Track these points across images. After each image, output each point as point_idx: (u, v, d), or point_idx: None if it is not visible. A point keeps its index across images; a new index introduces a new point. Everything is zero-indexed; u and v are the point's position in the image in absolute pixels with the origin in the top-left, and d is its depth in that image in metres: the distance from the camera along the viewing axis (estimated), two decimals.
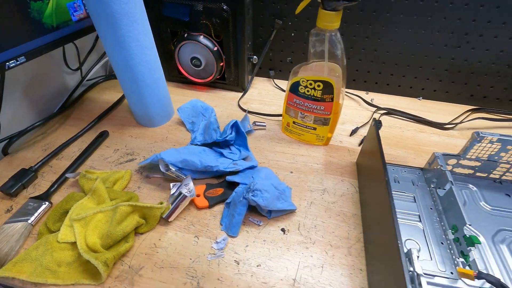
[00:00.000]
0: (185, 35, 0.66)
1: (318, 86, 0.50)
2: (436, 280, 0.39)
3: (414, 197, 0.49)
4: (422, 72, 0.69)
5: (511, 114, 0.68)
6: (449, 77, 0.69)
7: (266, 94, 0.75)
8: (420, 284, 0.32)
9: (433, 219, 0.46)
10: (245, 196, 0.43)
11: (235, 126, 0.55)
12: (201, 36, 0.66)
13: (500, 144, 0.47)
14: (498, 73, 0.65)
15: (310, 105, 0.54)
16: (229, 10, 0.61)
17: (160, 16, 0.67)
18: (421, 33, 0.64)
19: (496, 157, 0.49)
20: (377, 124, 0.47)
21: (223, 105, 0.71)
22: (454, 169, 0.52)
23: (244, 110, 0.69)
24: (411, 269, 0.34)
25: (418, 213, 0.46)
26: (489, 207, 0.48)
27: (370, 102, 0.71)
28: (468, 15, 0.59)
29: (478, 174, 0.52)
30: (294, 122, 0.58)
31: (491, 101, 0.70)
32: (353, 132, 0.62)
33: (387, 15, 0.63)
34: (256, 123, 0.63)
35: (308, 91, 0.52)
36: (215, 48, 0.67)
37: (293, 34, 0.71)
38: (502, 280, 0.36)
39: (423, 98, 0.74)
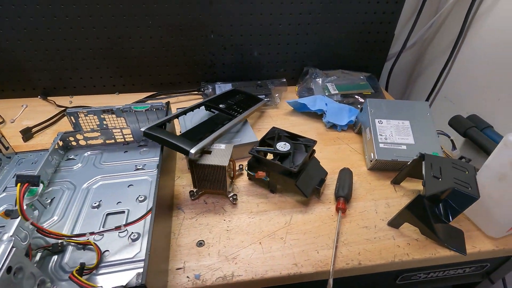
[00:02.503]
0: None
1: None
2: None
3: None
4: (104, 73, 0.84)
5: (178, 93, 0.89)
6: (125, 72, 0.86)
7: None
8: None
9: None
10: None
11: None
12: None
13: (94, 115, 0.62)
14: (153, 63, 0.85)
15: None
16: None
17: None
18: (85, 41, 0.78)
19: (105, 125, 0.65)
20: None
21: None
22: (89, 142, 0.66)
23: None
24: None
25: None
26: (105, 163, 0.63)
27: (67, 105, 0.82)
28: (113, 24, 0.76)
29: (108, 141, 0.67)
30: None
31: (167, 86, 0.90)
32: (24, 132, 0.70)
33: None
34: None
35: None
36: None
37: None
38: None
39: (119, 93, 0.89)
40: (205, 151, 0.52)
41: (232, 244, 0.48)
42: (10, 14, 0.72)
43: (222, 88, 0.87)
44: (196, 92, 0.90)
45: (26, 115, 0.79)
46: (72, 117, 0.61)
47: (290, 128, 0.76)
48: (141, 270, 0.35)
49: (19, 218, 0.38)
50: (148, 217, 0.47)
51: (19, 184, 0.39)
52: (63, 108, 0.80)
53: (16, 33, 0.74)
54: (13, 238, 0.36)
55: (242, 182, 0.60)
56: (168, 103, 0.63)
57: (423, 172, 0.49)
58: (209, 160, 0.50)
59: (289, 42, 0.87)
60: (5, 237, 0.36)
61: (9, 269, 0.33)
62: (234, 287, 0.44)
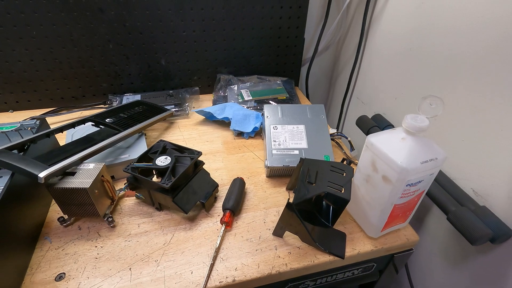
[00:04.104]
0: None
1: None
2: None
3: None
4: None
5: (83, 107, 0.83)
6: (16, 88, 0.78)
7: None
8: None
9: None
10: None
11: None
12: None
13: None
14: (48, 77, 0.78)
15: None
16: None
17: None
18: None
19: None
20: None
21: None
22: None
23: None
24: None
25: None
26: None
27: None
28: None
29: None
30: None
31: (70, 100, 0.83)
32: None
33: None
34: None
35: None
36: None
37: None
38: None
39: (14, 110, 0.81)
40: (68, 173, 0.47)
41: (98, 273, 0.44)
42: None
43: (130, 99, 0.82)
44: (102, 105, 0.84)
45: None
46: None
47: (197, 138, 0.74)
48: None
49: None
50: None
51: None
52: None
53: None
54: None
55: (129, 201, 0.56)
56: (42, 121, 0.58)
57: (299, 178, 0.49)
58: (68, 183, 0.45)
59: (198, 50, 0.84)
60: None
61: None
62: None
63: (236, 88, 0.89)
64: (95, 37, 0.75)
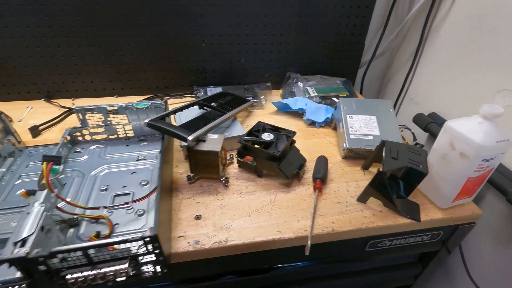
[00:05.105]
0: None
1: None
2: None
3: None
4: (104, 77, 0.92)
5: (173, 95, 0.98)
6: (123, 77, 0.94)
7: None
8: None
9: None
10: None
11: None
12: None
13: (100, 112, 0.70)
14: (150, 69, 0.93)
15: None
16: None
17: None
18: (89, 48, 0.86)
19: (109, 122, 0.72)
20: None
21: None
22: (93, 137, 0.73)
23: None
24: None
25: None
26: (109, 155, 0.70)
27: (70, 106, 0.89)
28: (114, 33, 0.85)
29: (110, 136, 0.75)
30: None
31: (162, 89, 0.98)
32: (32, 129, 0.77)
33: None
34: None
35: None
36: None
37: None
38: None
39: (118, 96, 0.97)
40: (200, 140, 0.60)
41: (225, 217, 0.56)
42: (11, 24, 0.79)
43: (213, 91, 0.96)
44: (190, 95, 0.98)
45: (31, 115, 0.85)
46: (80, 114, 0.69)
47: (275, 125, 0.86)
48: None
49: (46, 190, 0.45)
50: (152, 197, 0.55)
51: (45, 162, 0.46)
52: (67, 109, 0.87)
53: (23, 41, 0.82)
54: (44, 205, 0.43)
55: (233, 169, 0.68)
56: (166, 101, 0.72)
57: (383, 154, 0.59)
58: (203, 146, 0.58)
59: (272, 51, 0.97)
60: (36, 204, 0.43)
61: (42, 228, 0.41)
62: (228, 250, 0.52)
63: (302, 85, 1.01)
64: (193, 37, 0.90)
